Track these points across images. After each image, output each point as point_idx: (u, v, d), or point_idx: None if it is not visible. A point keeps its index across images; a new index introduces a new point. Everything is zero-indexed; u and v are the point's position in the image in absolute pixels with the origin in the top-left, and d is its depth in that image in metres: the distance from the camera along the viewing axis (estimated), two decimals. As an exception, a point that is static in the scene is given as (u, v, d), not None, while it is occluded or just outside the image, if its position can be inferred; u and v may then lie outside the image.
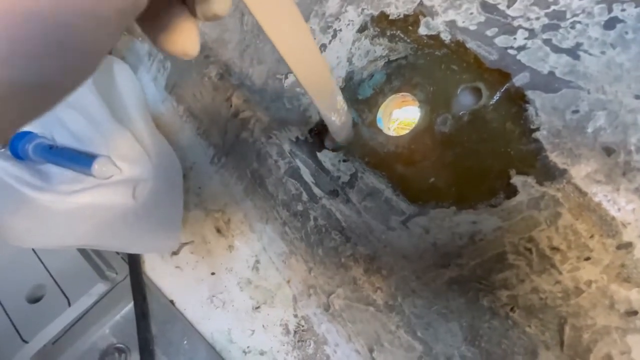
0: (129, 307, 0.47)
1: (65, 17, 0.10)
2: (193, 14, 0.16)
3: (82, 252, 0.47)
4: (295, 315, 0.38)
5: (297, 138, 0.38)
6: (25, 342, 0.41)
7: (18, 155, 0.44)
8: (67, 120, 0.44)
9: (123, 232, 0.41)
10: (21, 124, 0.11)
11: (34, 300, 0.44)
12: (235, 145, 0.43)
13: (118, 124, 0.44)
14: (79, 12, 0.10)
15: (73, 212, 0.40)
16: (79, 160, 0.42)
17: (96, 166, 0.41)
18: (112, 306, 0.47)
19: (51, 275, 0.45)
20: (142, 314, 0.44)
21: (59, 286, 0.44)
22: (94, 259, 0.47)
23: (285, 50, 0.20)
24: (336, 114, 0.28)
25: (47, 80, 0.11)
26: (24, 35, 0.09)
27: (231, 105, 0.44)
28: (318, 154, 0.36)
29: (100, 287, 0.45)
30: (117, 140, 0.43)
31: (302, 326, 0.37)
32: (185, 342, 0.43)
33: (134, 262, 0.47)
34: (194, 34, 0.17)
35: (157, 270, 0.48)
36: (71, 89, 0.12)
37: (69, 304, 0.43)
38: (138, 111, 0.47)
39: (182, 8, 0.16)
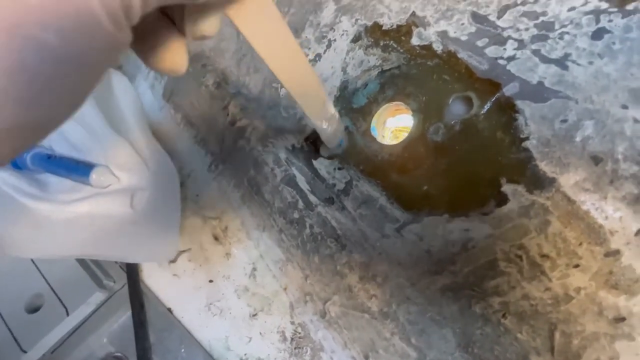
0: (126, 315, 0.47)
1: (52, 60, 0.10)
2: (182, 32, 0.16)
3: (80, 261, 0.47)
4: (292, 322, 0.38)
5: (293, 146, 0.38)
6: (24, 351, 0.41)
7: (16, 164, 0.45)
8: (65, 130, 0.44)
9: (121, 241, 0.42)
10: (12, 156, 0.12)
11: (33, 309, 0.44)
12: (233, 153, 0.44)
13: (116, 133, 0.44)
14: (63, 58, 0.10)
15: (71, 221, 0.40)
16: (77, 169, 0.43)
17: (94, 175, 0.41)
18: (110, 315, 0.47)
19: (49, 285, 0.45)
20: (139, 322, 0.45)
21: (57, 296, 0.44)
22: (92, 267, 0.47)
23: (274, 65, 0.20)
24: (327, 122, 0.29)
25: (38, 118, 0.11)
26: (15, 81, 0.10)
27: (228, 114, 0.44)
28: (314, 161, 0.36)
29: (98, 296, 0.45)
30: (114, 149, 0.43)
31: (299, 333, 0.37)
32: (182, 350, 0.43)
33: (131, 271, 0.48)
34: (183, 52, 0.17)
35: (154, 278, 0.48)
36: (61, 123, 0.12)
37: (67, 313, 0.43)
38: (135, 120, 0.47)
39: (171, 27, 0.16)
